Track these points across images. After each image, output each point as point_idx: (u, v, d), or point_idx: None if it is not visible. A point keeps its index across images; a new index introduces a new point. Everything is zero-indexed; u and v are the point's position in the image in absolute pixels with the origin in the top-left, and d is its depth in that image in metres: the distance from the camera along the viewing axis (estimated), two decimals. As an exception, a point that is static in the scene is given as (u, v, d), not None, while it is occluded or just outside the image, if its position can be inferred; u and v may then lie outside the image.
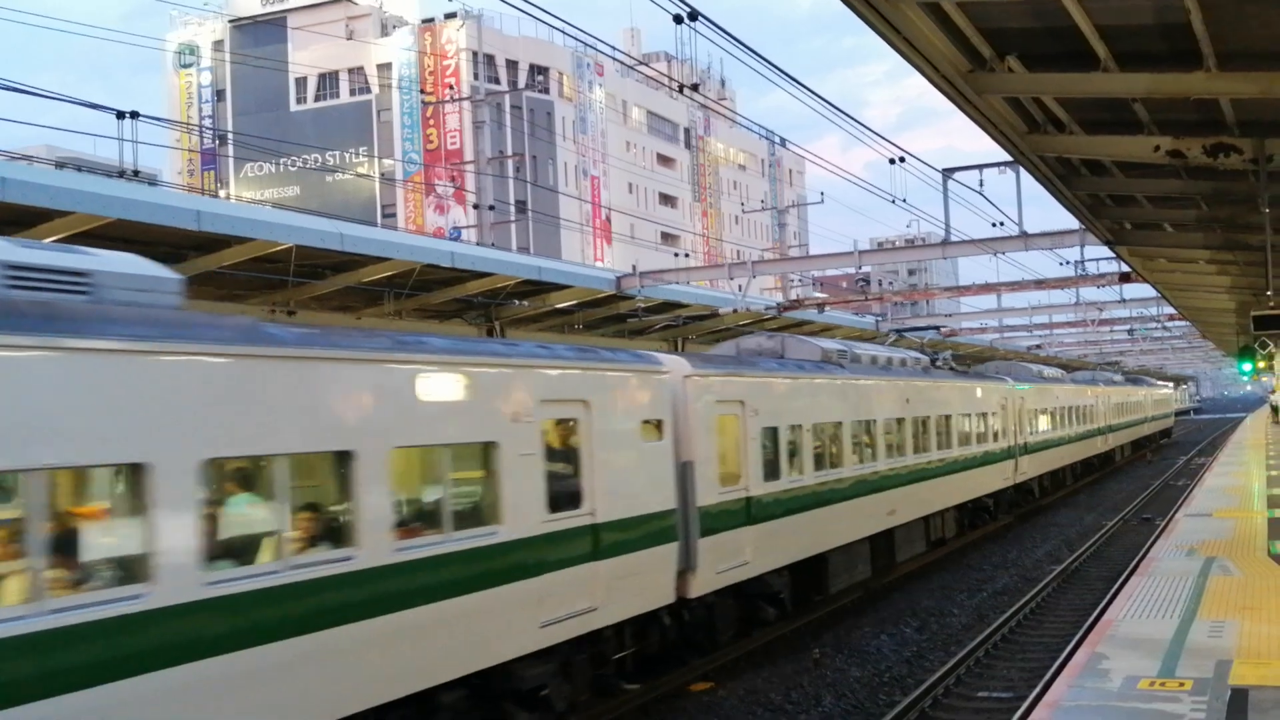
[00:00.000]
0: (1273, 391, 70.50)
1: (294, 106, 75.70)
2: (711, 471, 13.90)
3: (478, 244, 31.63)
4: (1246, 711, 8.06)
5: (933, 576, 21.62)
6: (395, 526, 9.06)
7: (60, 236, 13.77)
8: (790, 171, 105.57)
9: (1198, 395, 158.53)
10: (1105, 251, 22.93)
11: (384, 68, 73.82)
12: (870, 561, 19.01)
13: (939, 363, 25.93)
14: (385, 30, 76.14)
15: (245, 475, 8.35)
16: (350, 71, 75.35)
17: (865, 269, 76.14)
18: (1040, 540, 26.75)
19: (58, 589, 6.79)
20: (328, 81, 75.59)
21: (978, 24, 8.91)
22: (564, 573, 10.93)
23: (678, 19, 11.71)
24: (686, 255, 75.08)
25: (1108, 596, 16.67)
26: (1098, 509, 33.36)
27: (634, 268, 25.20)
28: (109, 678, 6.86)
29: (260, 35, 76.22)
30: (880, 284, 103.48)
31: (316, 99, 75.89)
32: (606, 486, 11.67)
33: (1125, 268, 24.28)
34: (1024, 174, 15.64)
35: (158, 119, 24.87)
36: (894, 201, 21.65)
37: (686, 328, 28.99)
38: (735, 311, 26.25)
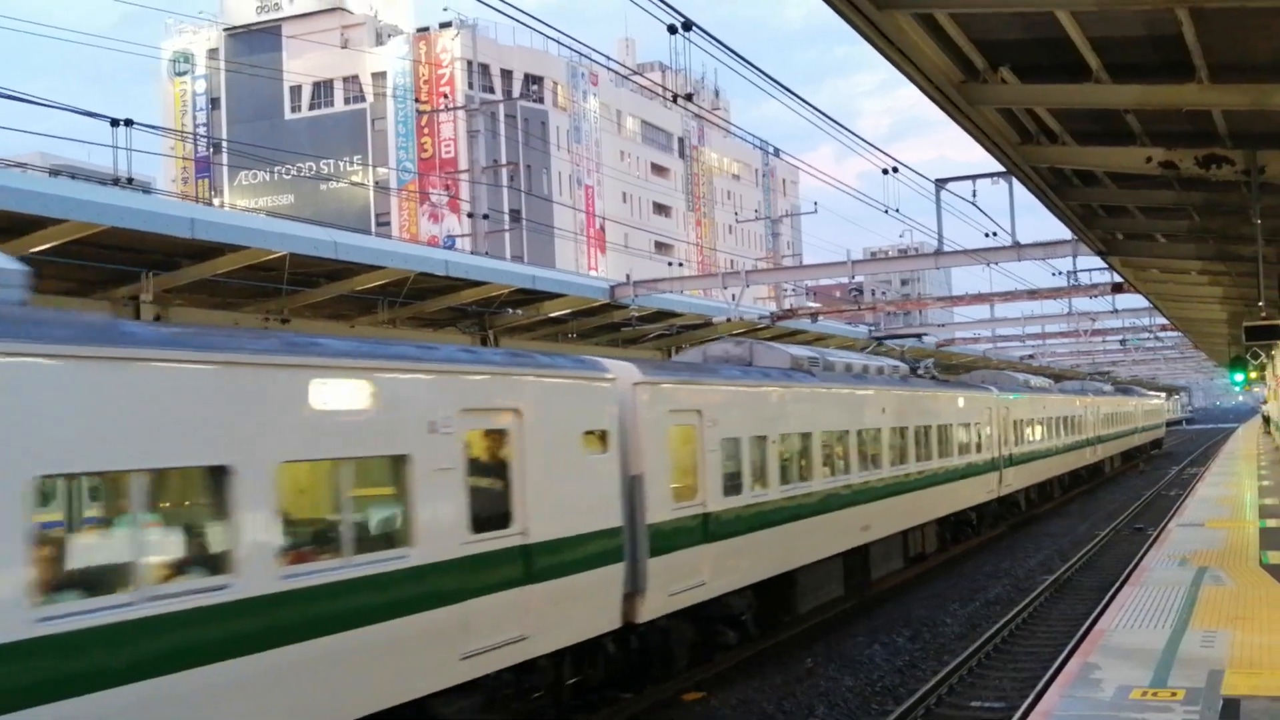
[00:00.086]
0: (1264, 402, 70.63)
1: (288, 115, 75.67)
2: (664, 486, 12.99)
3: (472, 253, 31.63)
4: (1238, 721, 8.07)
5: (925, 586, 21.62)
6: (283, 551, 8.15)
7: (53, 244, 13.77)
8: (784, 181, 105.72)
9: (1190, 405, 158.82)
10: (1098, 262, 23.01)
11: (379, 76, 73.84)
12: (843, 579, 18.23)
13: (920, 371, 25.32)
14: (380, 39, 76.18)
15: (96, 493, 7.50)
16: (345, 80, 75.34)
17: (858, 279, 76.22)
18: (1033, 550, 26.77)
19: None
20: (322, 90, 75.58)
21: (970, 35, 8.95)
22: (490, 599, 9.97)
23: (672, 29, 11.72)
24: (680, 264, 75.07)
25: (1100, 606, 16.69)
26: (1090, 519, 33.39)
27: (628, 277, 25.22)
28: None
29: (255, 43, 76.21)
30: (874, 294, 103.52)
31: (311, 107, 75.86)
32: (541, 504, 10.74)
33: (1117, 278, 24.37)
34: (1017, 184, 15.66)
35: (152, 127, 24.86)
36: (887, 211, 21.67)
37: (680, 336, 29.02)
38: (729, 321, 26.28)
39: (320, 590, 8.34)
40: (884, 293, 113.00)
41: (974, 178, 19.18)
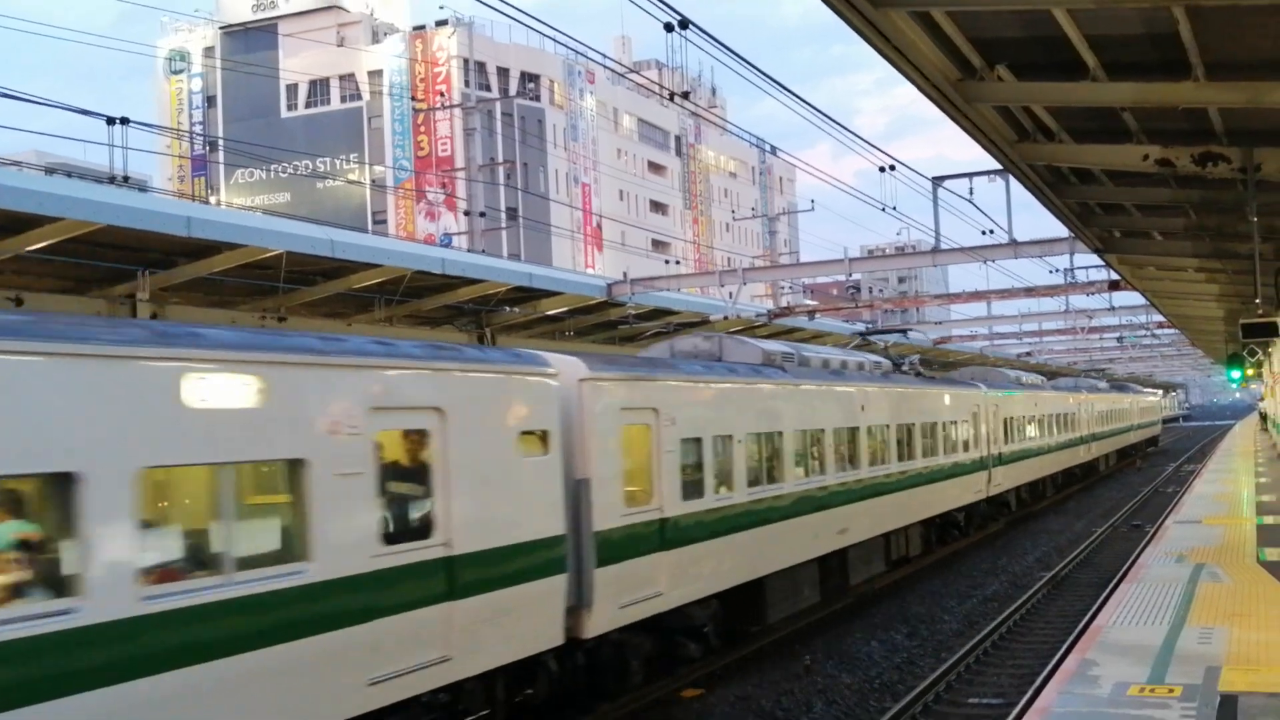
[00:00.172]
0: (1261, 399, 70.73)
1: (285, 113, 75.63)
2: (614, 490, 12.03)
3: (469, 251, 31.63)
4: (1236, 717, 8.08)
5: (923, 583, 21.64)
6: (147, 569, 7.24)
7: (50, 243, 13.76)
8: (781, 179, 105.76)
9: (1187, 403, 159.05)
10: (1095, 259, 23.05)
11: (375, 74, 73.80)
12: (819, 585, 17.30)
13: (905, 368, 24.57)
14: (376, 37, 76.16)
15: None
16: (341, 78, 75.30)
17: (856, 276, 76.30)
18: (1030, 547, 26.80)
19: None
20: (319, 88, 75.54)
21: (967, 33, 8.96)
22: (404, 617, 9.02)
23: (668, 27, 11.72)
24: (677, 262, 75.19)
25: (1098, 603, 16.70)
26: (1087, 516, 33.42)
27: (625, 275, 25.24)
28: None
29: (251, 42, 76.15)
30: (871, 291, 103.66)
31: (307, 105, 75.83)
32: (468, 512, 9.79)
33: (1114, 275, 24.42)
34: (1014, 182, 15.68)
35: (148, 125, 24.84)
36: (884, 209, 21.72)
37: (677, 334, 29.03)
38: (726, 318, 26.30)
39: (192, 613, 7.39)
40: (881, 290, 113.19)
41: (971, 175, 19.20)
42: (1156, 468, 54.29)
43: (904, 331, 28.88)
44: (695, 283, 31.57)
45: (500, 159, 61.70)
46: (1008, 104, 10.70)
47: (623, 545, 12.04)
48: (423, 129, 71.41)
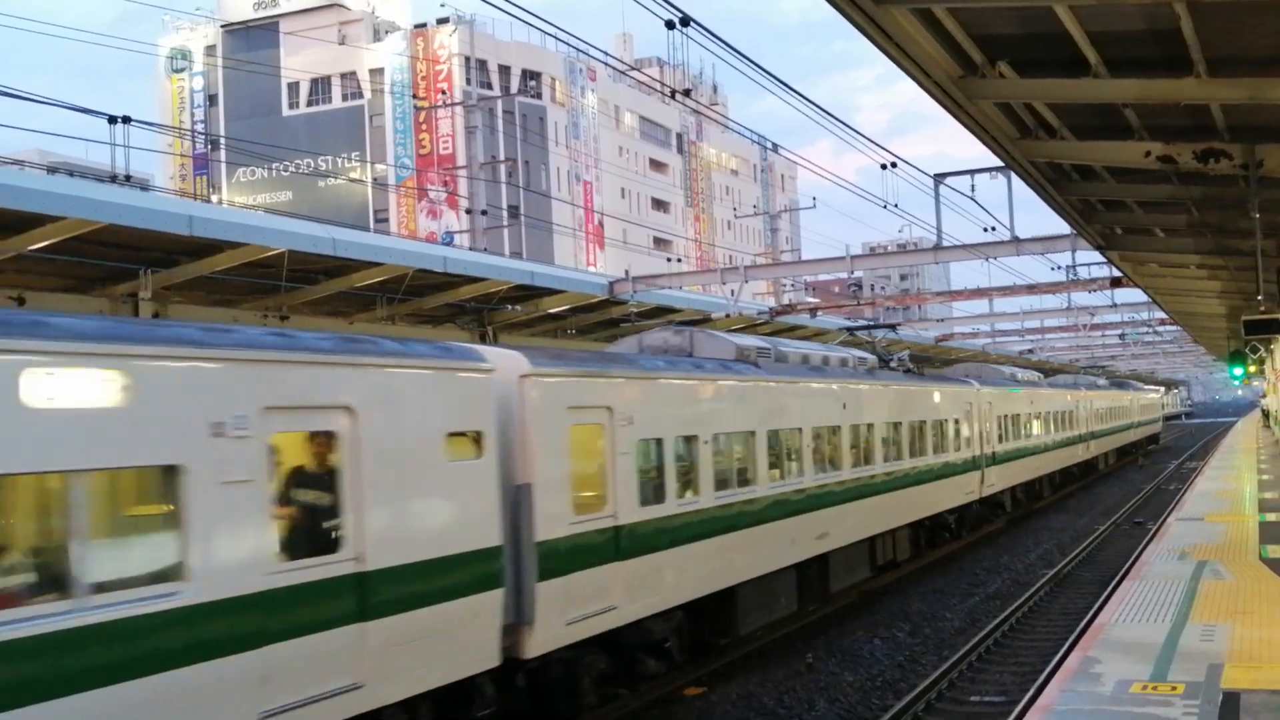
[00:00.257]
0: (1264, 396, 70.69)
1: (286, 111, 75.66)
2: (560, 497, 11.11)
3: (470, 249, 31.64)
4: (1238, 715, 8.07)
5: (925, 580, 21.64)
6: None
7: (52, 242, 13.77)
8: (782, 176, 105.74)
9: (1189, 400, 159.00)
10: (1096, 256, 23.04)
11: (376, 73, 73.84)
12: (797, 593, 16.43)
13: (894, 364, 23.74)
14: (377, 35, 76.18)
15: None
16: (343, 76, 75.34)
17: (857, 274, 76.36)
18: (1032, 544, 26.80)
19: None
20: (320, 86, 75.57)
21: (969, 29, 8.95)
22: (305, 642, 8.10)
23: (670, 24, 11.71)
24: (679, 260, 75.03)
25: (1100, 600, 16.70)
26: (1090, 513, 33.43)
27: (626, 272, 25.24)
28: None
29: (252, 40, 76.19)
30: (873, 288, 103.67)
31: (309, 104, 75.86)
32: (384, 522, 8.89)
33: (1116, 272, 24.38)
34: (1015, 179, 15.67)
35: (150, 124, 24.85)
36: (886, 206, 21.68)
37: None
38: (728, 316, 26.29)
39: (31, 643, 6.49)
40: (883, 288, 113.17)
41: (973, 172, 19.21)
42: (1159, 465, 54.27)
43: (892, 327, 28.08)
44: (697, 280, 31.57)
45: (502, 157, 61.77)
46: (1009, 101, 10.68)
47: (570, 556, 11.16)
48: (424, 127, 71.43)
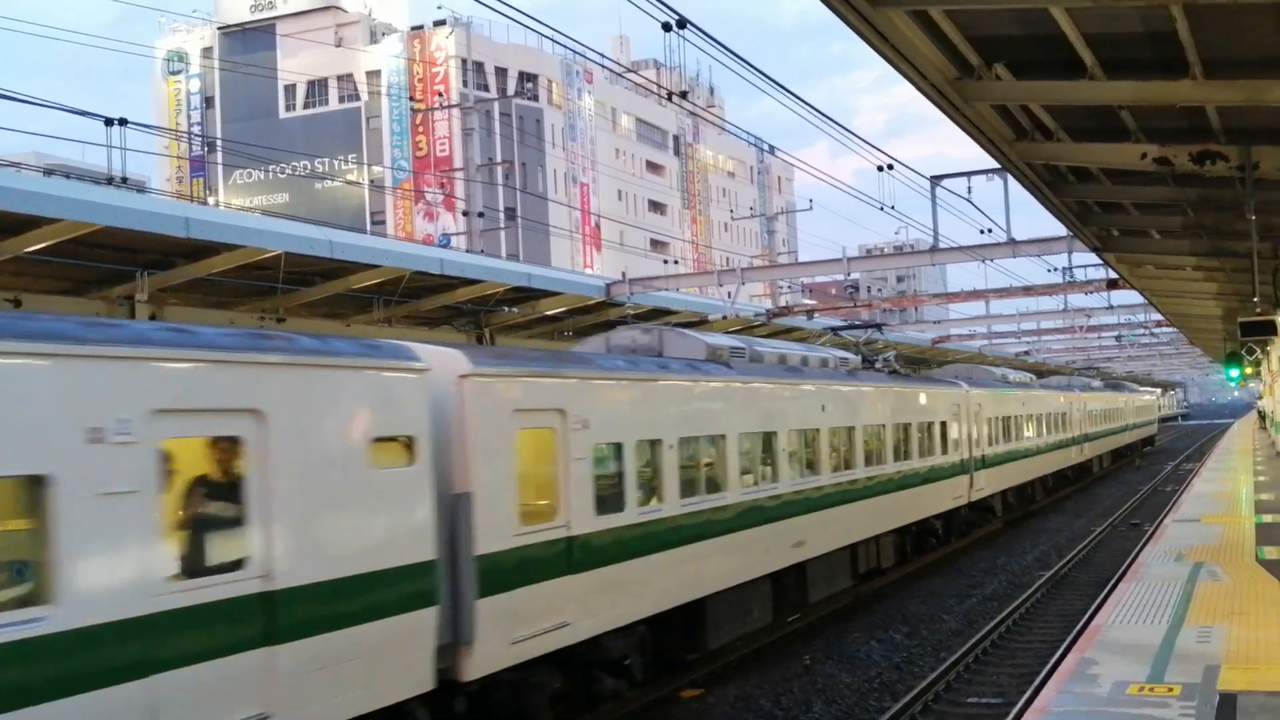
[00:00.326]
0: (1260, 397, 70.79)
1: (283, 114, 75.69)
2: (505, 506, 10.34)
3: (467, 251, 31.65)
4: (1235, 716, 8.08)
5: (922, 582, 21.65)
6: None
7: (48, 244, 13.76)
8: (779, 179, 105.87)
9: (1185, 401, 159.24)
10: (1093, 258, 23.07)
11: (373, 75, 73.87)
12: (771, 603, 15.72)
13: (878, 365, 23.13)
14: (374, 37, 76.21)
15: None
16: (339, 79, 75.37)
17: (854, 276, 76.41)
18: (1029, 546, 26.82)
19: None
20: (317, 89, 75.59)
21: (965, 32, 8.97)
22: (202, 669, 7.34)
23: (666, 26, 11.72)
24: (676, 262, 75.26)
25: (1096, 602, 16.71)
26: (1086, 514, 33.45)
27: (623, 274, 25.28)
28: None
29: (249, 42, 76.21)
30: (869, 290, 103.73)
31: (306, 106, 75.89)
32: (296, 536, 8.12)
33: (1113, 274, 24.43)
34: (1012, 181, 15.69)
35: (146, 126, 24.83)
36: (882, 208, 21.71)
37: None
38: (725, 318, 26.31)
39: None
40: (880, 290, 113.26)
41: (969, 174, 19.21)
42: (1155, 466, 54.33)
43: (878, 326, 27.34)
44: (694, 282, 31.59)
45: (499, 159, 61.74)
46: (1005, 103, 10.70)
47: (516, 570, 10.38)
48: (421, 129, 71.46)
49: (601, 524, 11.71)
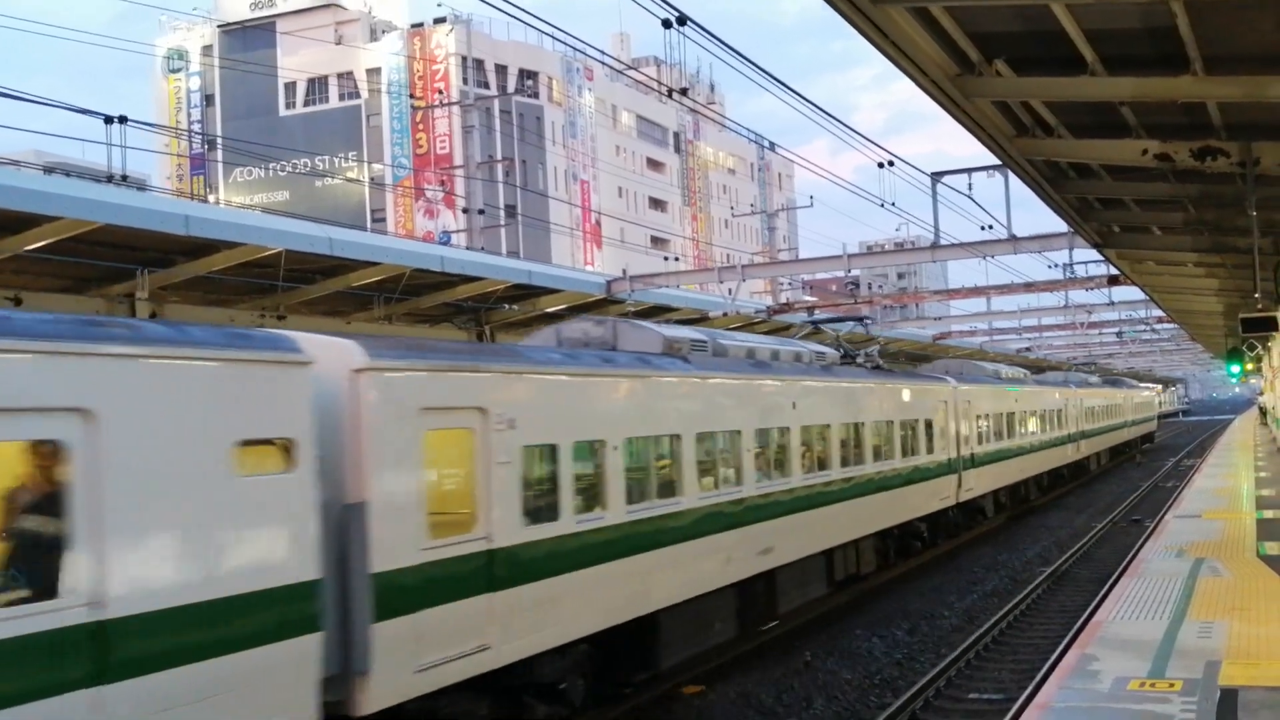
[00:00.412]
0: (1261, 394, 70.78)
1: (283, 111, 75.68)
2: (409, 517, 9.15)
3: (467, 248, 31.66)
4: (1236, 712, 8.08)
5: (923, 579, 21.65)
6: None
7: (48, 242, 13.77)
8: (779, 175, 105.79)
9: (1186, 397, 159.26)
10: (1094, 254, 23.08)
11: (373, 72, 73.87)
12: (736, 614, 14.60)
13: (860, 359, 22.05)
14: (374, 35, 76.20)
15: None
16: (339, 76, 75.36)
17: (855, 272, 76.41)
18: (1030, 542, 26.82)
19: None
20: (317, 86, 75.58)
21: (965, 28, 8.97)
22: (10, 715, 6.30)
23: (666, 24, 11.72)
24: (676, 259, 74.97)
25: (1098, 598, 16.70)
26: (1087, 511, 33.46)
27: (624, 271, 25.26)
28: None
29: (249, 40, 76.20)
30: (870, 287, 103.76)
31: (306, 104, 75.88)
32: (136, 556, 7.03)
33: (1114, 270, 24.42)
34: (1012, 177, 15.69)
35: (146, 124, 24.84)
36: (883, 205, 21.71)
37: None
38: (725, 315, 26.31)
39: None
40: (880, 286, 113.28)
41: (970, 171, 19.24)
42: (1156, 462, 54.33)
43: (861, 319, 26.33)
44: (694, 279, 31.59)
45: (499, 156, 61.76)
46: (1006, 99, 10.70)
47: (423, 589, 9.20)
48: (421, 127, 71.45)
49: (531, 535, 10.53)
